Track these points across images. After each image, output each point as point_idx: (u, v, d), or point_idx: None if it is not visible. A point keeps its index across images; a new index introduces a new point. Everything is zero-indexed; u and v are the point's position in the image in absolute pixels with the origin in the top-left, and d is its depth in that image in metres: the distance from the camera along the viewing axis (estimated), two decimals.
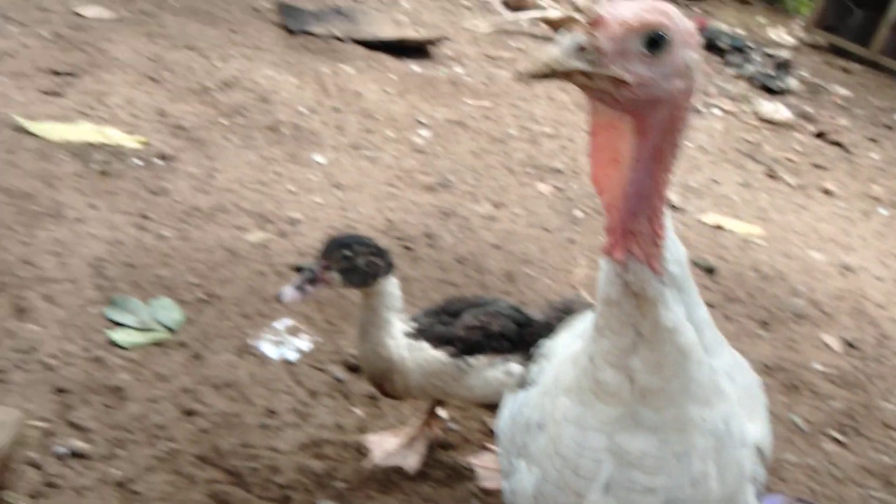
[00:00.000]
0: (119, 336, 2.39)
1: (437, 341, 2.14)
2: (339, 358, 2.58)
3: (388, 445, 2.28)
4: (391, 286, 2.08)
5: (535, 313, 2.32)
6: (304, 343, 2.59)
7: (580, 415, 1.24)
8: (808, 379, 3.13)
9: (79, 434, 2.08)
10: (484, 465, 2.34)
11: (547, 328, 2.19)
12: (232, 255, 2.93)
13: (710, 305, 1.35)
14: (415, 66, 5.42)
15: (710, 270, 3.84)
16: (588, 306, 2.36)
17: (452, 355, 2.14)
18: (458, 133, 4.64)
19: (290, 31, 5.27)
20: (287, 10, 5.49)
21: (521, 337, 2.21)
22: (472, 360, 2.15)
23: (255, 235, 3.09)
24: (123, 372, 2.29)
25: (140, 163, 3.33)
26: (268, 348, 2.53)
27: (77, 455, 2.02)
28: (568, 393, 1.27)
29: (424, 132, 4.51)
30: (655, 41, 1.04)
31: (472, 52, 6.05)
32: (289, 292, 1.99)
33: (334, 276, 2.03)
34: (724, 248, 4.09)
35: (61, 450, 2.02)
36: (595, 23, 1.02)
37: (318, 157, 3.87)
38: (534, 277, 3.40)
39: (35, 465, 1.96)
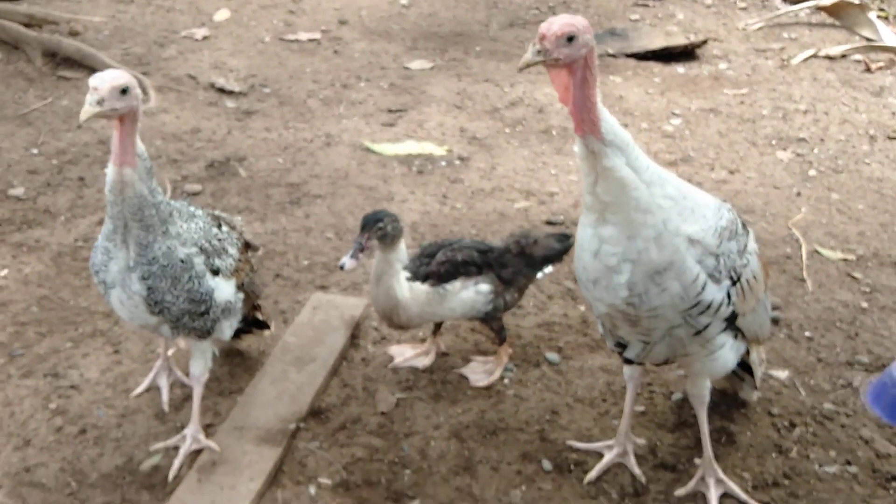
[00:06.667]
0: None
1: (423, 278, 2.83)
2: (571, 276, 3.59)
3: (406, 353, 3.09)
4: (402, 244, 2.76)
5: (496, 243, 3.02)
6: (549, 267, 3.64)
7: (583, 220, 2.25)
8: None
9: None
10: (472, 371, 3.04)
11: (506, 252, 2.98)
12: (502, 216, 4.09)
13: None
14: (680, 69, 6.18)
15: None
16: (539, 236, 3.07)
17: (433, 285, 2.82)
18: (708, 119, 5.36)
19: None
20: None
21: (486, 261, 2.89)
22: (448, 286, 2.83)
23: (520, 204, 4.22)
24: None
25: (444, 164, 4.65)
26: None
27: None
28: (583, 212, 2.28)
29: (676, 121, 5.31)
30: (570, 37, 2.05)
31: (741, 49, 6.60)
32: (348, 262, 2.64)
33: (374, 242, 2.67)
34: None
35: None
36: (542, 37, 2.07)
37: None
38: (751, 223, 4.08)
39: (375, 328, 3.27)
